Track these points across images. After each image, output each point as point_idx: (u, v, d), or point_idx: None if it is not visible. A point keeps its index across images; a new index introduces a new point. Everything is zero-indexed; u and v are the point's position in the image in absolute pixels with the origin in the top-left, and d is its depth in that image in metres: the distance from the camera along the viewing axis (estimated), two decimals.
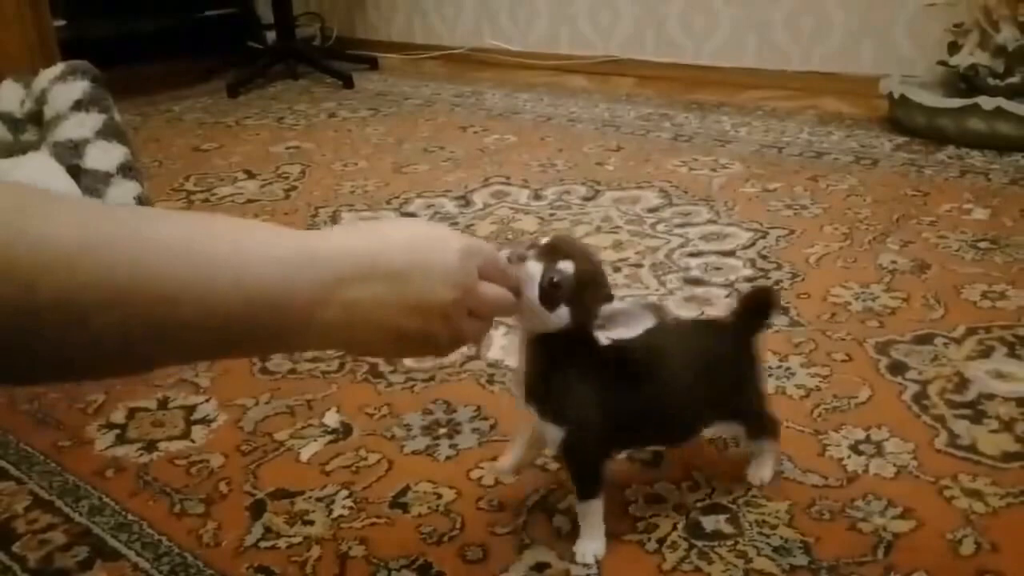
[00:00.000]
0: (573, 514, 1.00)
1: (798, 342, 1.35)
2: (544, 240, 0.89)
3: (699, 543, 0.95)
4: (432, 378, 1.31)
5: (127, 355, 0.60)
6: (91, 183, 1.61)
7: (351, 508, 1.04)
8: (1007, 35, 2.28)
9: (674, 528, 0.98)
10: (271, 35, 3.83)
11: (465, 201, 2.07)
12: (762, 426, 1.03)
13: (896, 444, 1.10)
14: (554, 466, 1.08)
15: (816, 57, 3.01)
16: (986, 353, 1.30)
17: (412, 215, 1.99)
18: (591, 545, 0.95)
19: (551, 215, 1.95)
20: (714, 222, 1.87)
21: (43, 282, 0.54)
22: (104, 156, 1.66)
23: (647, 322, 0.87)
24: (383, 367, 1.34)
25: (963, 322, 1.39)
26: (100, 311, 0.56)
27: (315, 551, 0.97)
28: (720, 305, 1.49)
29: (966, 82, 2.35)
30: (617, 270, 1.65)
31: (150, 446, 1.18)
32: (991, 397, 1.19)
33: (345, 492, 1.06)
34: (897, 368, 1.27)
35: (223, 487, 1.08)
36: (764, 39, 3.10)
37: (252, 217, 2.02)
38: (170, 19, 3.73)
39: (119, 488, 1.09)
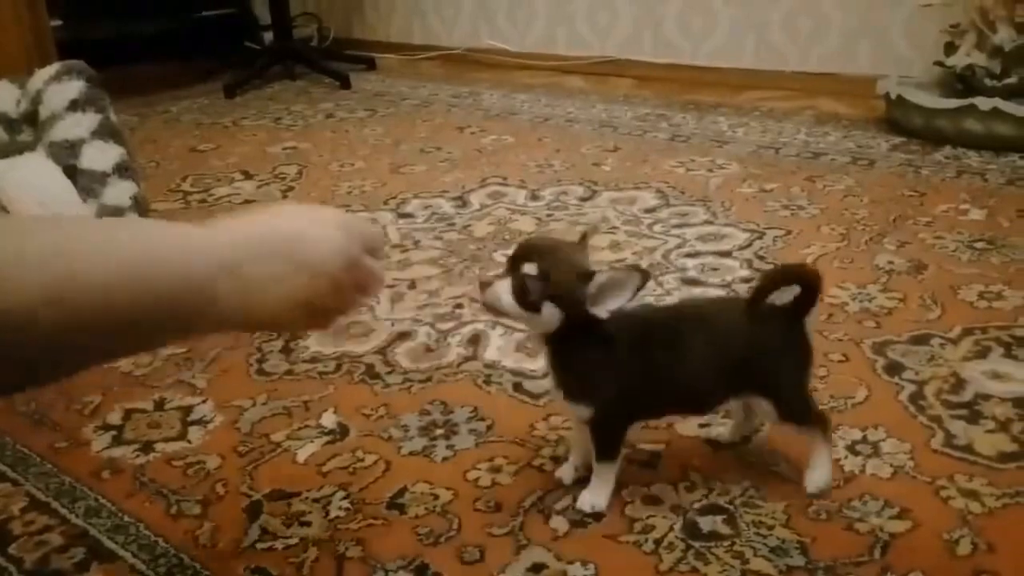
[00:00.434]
0: (570, 515, 1.00)
1: None
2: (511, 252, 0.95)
3: (696, 544, 0.96)
4: (429, 379, 1.31)
5: (78, 347, 0.66)
6: (87, 183, 1.62)
7: (348, 509, 1.04)
8: (1004, 36, 2.28)
9: (671, 529, 0.98)
10: (268, 36, 3.83)
11: (462, 201, 2.07)
12: (797, 411, 1.02)
13: (893, 444, 1.10)
14: (551, 467, 1.09)
15: (813, 58, 3.01)
16: (983, 353, 1.31)
17: (409, 216, 1.99)
18: (594, 498, 1.01)
19: (548, 216, 1.95)
20: (711, 223, 1.87)
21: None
22: (100, 156, 1.66)
23: (634, 284, 0.91)
24: (380, 369, 1.34)
25: (960, 322, 1.39)
26: (47, 307, 0.61)
27: (312, 552, 0.97)
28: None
29: (963, 83, 2.35)
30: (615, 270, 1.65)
31: (147, 447, 1.18)
32: (987, 397, 1.20)
33: (342, 493, 1.06)
34: (894, 368, 1.27)
35: (220, 488, 1.08)
36: (762, 40, 3.10)
37: None
38: (167, 20, 3.72)
39: (116, 489, 1.09)
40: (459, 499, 1.04)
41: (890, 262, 1.62)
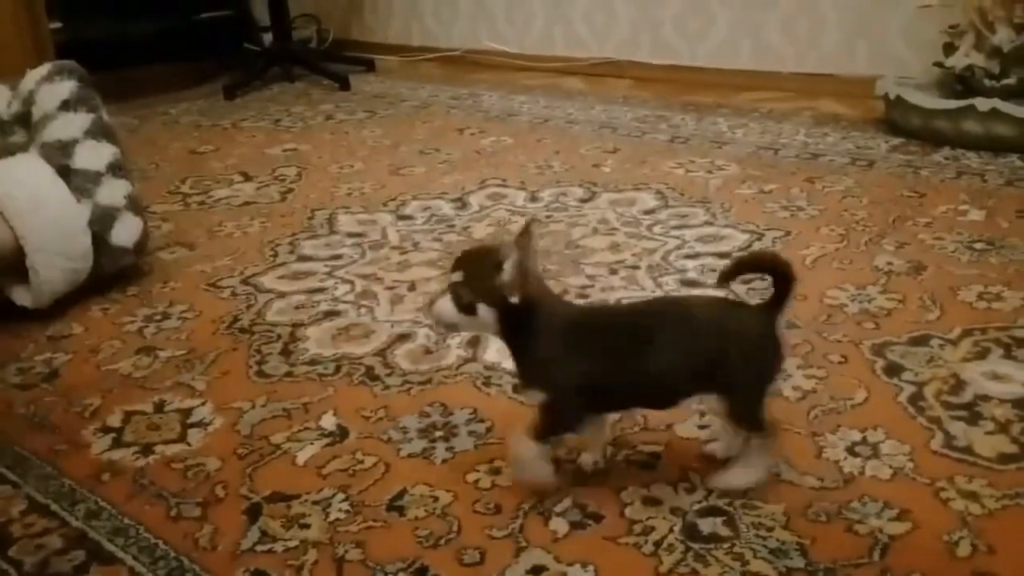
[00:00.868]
0: (571, 517, 1.01)
1: (794, 344, 1.35)
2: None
3: (696, 545, 0.96)
4: (429, 381, 1.31)
5: None
6: (81, 183, 1.61)
7: (348, 511, 1.04)
8: (1003, 36, 2.28)
9: (671, 530, 0.98)
10: (268, 37, 3.83)
11: (462, 203, 2.07)
12: (749, 415, 1.01)
13: (892, 446, 1.10)
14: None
15: (812, 59, 3.01)
16: (982, 355, 1.31)
17: (409, 217, 1.99)
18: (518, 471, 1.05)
19: (547, 217, 1.95)
20: (710, 224, 1.87)
21: None
22: (93, 155, 1.66)
23: (513, 255, 0.96)
24: (379, 371, 1.34)
25: (959, 324, 1.39)
26: None
27: (312, 555, 0.97)
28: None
29: (962, 83, 2.35)
30: (614, 272, 1.65)
31: (146, 450, 1.17)
32: (987, 399, 1.20)
33: (342, 495, 1.06)
34: (893, 370, 1.27)
35: (219, 491, 1.08)
36: (760, 41, 3.10)
37: (249, 220, 2.02)
38: (167, 21, 3.72)
39: (115, 492, 1.09)
40: (459, 501, 1.04)
41: (889, 263, 1.62)
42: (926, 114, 2.31)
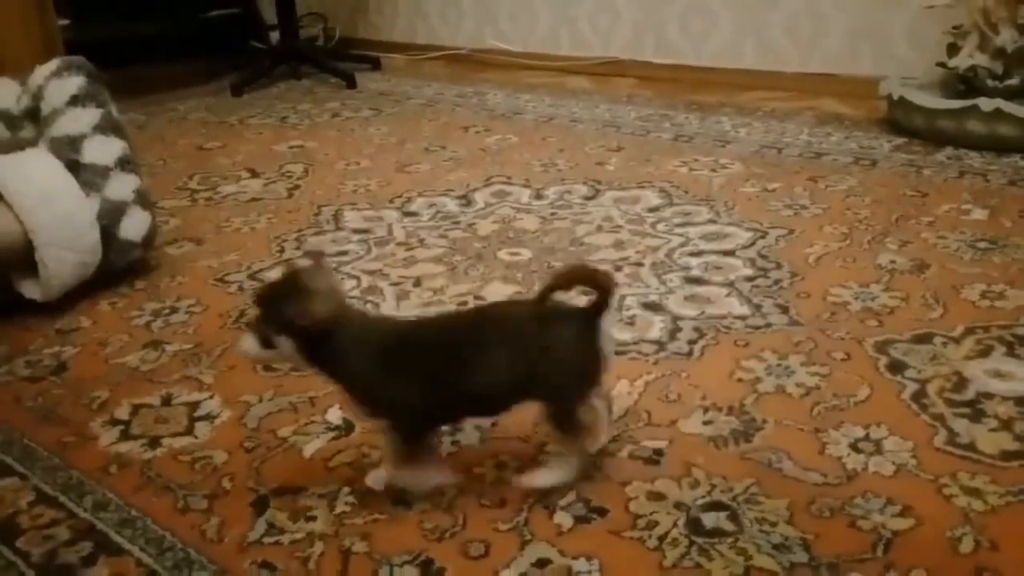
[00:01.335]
0: (575, 511, 1.01)
1: (798, 341, 1.36)
2: None
3: (699, 540, 0.96)
4: None
5: None
6: (90, 177, 1.62)
7: (354, 504, 1.04)
8: (1006, 37, 2.29)
9: (675, 525, 0.98)
10: (275, 35, 3.84)
11: (467, 200, 2.08)
12: (565, 420, 1.02)
13: (895, 442, 1.11)
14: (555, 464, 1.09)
15: (815, 59, 3.01)
16: (985, 352, 1.31)
17: (414, 214, 2.00)
18: (381, 476, 1.05)
19: (552, 214, 1.96)
20: (714, 222, 1.88)
21: None
22: (102, 150, 1.66)
23: (305, 282, 0.96)
24: None
25: (962, 322, 1.40)
26: None
27: (318, 547, 0.98)
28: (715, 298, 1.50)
29: (965, 84, 2.35)
30: (618, 269, 1.66)
31: (154, 442, 1.18)
32: (990, 396, 1.20)
33: (348, 488, 1.07)
34: (896, 367, 1.28)
35: (226, 483, 1.09)
36: (763, 41, 3.10)
37: (256, 216, 2.03)
38: (174, 20, 3.73)
39: (123, 484, 1.10)
40: (464, 495, 1.05)
41: (892, 261, 1.63)
42: (929, 114, 2.31)
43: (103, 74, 1.78)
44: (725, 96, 2.99)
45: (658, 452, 1.11)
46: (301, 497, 1.06)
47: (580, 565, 0.93)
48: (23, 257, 1.52)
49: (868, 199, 1.96)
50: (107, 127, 1.70)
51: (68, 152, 1.63)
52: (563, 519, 1.00)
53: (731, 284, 1.58)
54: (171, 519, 1.03)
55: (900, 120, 2.44)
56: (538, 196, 2.09)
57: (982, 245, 1.68)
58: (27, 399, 1.31)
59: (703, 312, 1.48)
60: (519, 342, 0.99)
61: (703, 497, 1.03)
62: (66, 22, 3.09)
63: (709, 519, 0.99)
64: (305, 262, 1.02)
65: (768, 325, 1.42)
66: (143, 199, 1.70)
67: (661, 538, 0.97)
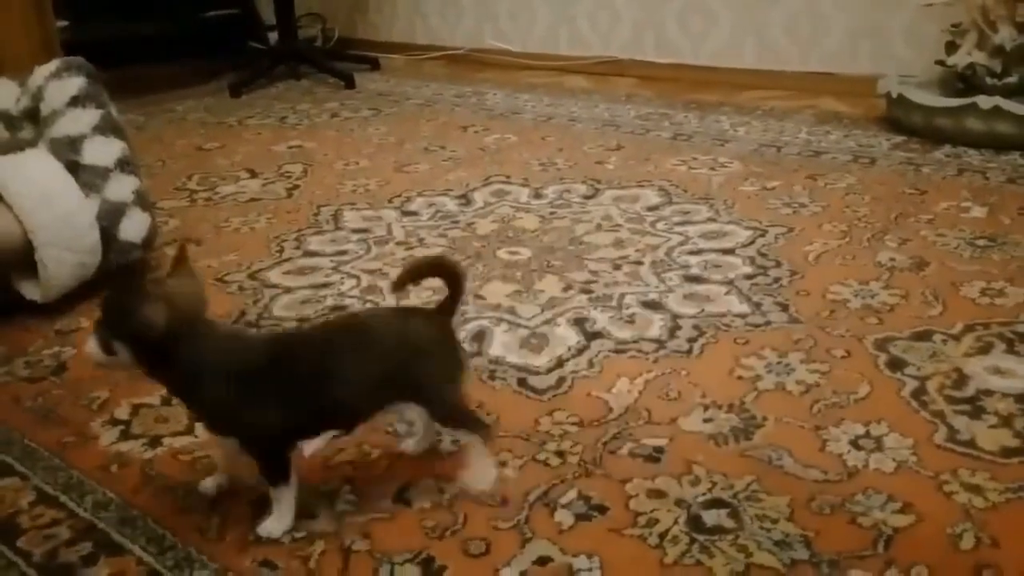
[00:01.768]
0: (576, 509, 1.01)
1: (797, 339, 1.36)
2: None
3: (700, 537, 0.96)
4: None
5: None
6: (89, 178, 1.62)
7: (354, 503, 1.04)
8: (1005, 35, 2.29)
9: (675, 522, 0.98)
10: (273, 36, 3.84)
11: (466, 200, 2.08)
12: (451, 415, 1.04)
13: (896, 439, 1.11)
14: (556, 462, 1.09)
15: (814, 57, 3.01)
16: (985, 349, 1.31)
17: (414, 214, 2.00)
18: (274, 524, 1.00)
19: (551, 213, 1.96)
20: (714, 220, 1.88)
21: None
22: (102, 151, 1.66)
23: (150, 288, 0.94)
24: None
25: (961, 319, 1.40)
26: None
27: (319, 545, 0.98)
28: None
29: (964, 82, 2.35)
30: (617, 267, 1.66)
31: (154, 441, 1.18)
32: (990, 393, 1.20)
33: (348, 487, 1.07)
34: (896, 364, 1.28)
35: (227, 482, 1.09)
36: (762, 40, 3.11)
37: (255, 216, 2.03)
38: (173, 20, 3.73)
39: (123, 483, 1.10)
40: (465, 493, 1.05)
41: (892, 259, 1.63)
42: (928, 112, 2.32)
43: (100, 75, 1.78)
44: (724, 95, 3.00)
45: (658, 450, 1.11)
46: (301, 496, 1.06)
47: (581, 563, 0.93)
48: (23, 258, 1.52)
49: (867, 197, 1.96)
50: (107, 128, 1.70)
51: (68, 153, 1.63)
52: (564, 517, 1.00)
53: (731, 282, 1.58)
54: (172, 518, 1.03)
55: (899, 118, 2.44)
56: (537, 195, 2.09)
57: (981, 243, 1.68)
58: (27, 399, 1.31)
59: (703, 310, 1.48)
60: (378, 347, 0.99)
61: (704, 494, 1.03)
62: (65, 23, 3.09)
63: (710, 516, 0.99)
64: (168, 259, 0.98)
65: (768, 323, 1.42)
66: (143, 200, 1.70)
67: (662, 535, 0.97)
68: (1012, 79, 2.28)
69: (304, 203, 2.11)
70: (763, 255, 1.68)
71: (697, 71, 3.24)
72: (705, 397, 1.22)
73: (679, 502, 1.02)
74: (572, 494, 1.04)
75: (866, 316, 1.43)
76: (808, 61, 3.03)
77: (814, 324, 1.41)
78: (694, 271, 1.63)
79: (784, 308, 1.47)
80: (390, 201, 2.10)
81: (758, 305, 1.48)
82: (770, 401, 1.20)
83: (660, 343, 1.38)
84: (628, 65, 3.41)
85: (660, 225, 1.86)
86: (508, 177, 2.23)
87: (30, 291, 1.56)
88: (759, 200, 1.98)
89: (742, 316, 1.45)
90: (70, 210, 1.56)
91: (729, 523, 0.98)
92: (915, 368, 1.27)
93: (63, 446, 1.19)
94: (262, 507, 1.03)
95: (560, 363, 1.33)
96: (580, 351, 1.36)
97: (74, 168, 1.61)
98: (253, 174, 2.36)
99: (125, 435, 1.20)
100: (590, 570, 0.92)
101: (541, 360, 1.34)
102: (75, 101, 1.69)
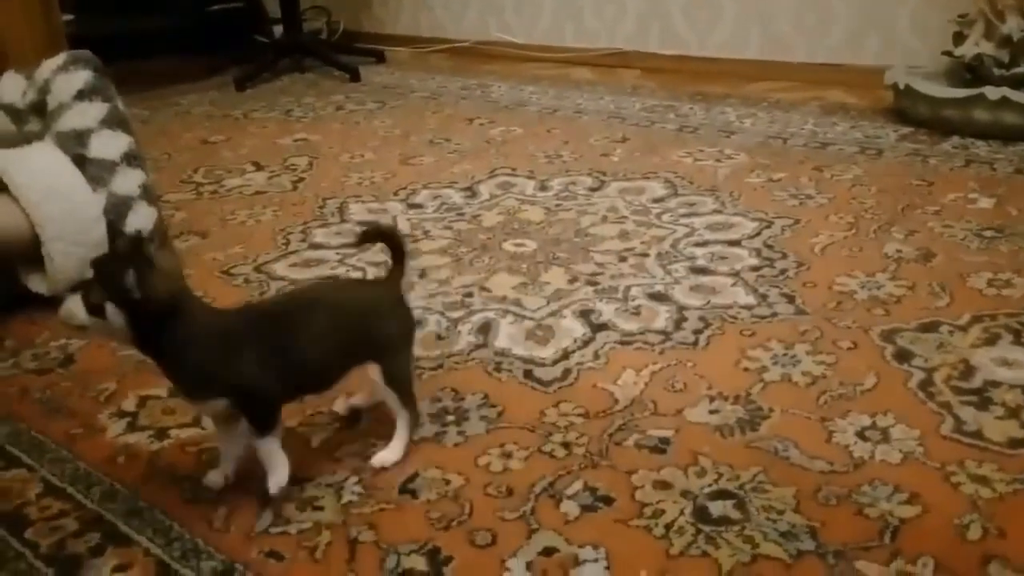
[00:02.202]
0: (582, 500, 1.01)
1: (804, 330, 1.36)
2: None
3: (706, 528, 0.96)
4: (440, 366, 1.32)
5: None
6: (96, 172, 1.62)
7: (360, 494, 1.04)
8: (1012, 25, 2.28)
9: (681, 513, 0.98)
10: (278, 29, 3.84)
11: (471, 192, 2.08)
12: (400, 378, 1.10)
13: (902, 430, 1.11)
14: (562, 453, 1.09)
15: (821, 49, 3.00)
16: (992, 340, 1.31)
17: (419, 206, 2.00)
18: (274, 479, 1.03)
19: (557, 206, 1.96)
20: (719, 212, 1.87)
21: None
22: (108, 145, 1.66)
23: (148, 252, 0.95)
24: None
25: (968, 310, 1.39)
26: None
27: (325, 536, 0.98)
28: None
29: (971, 72, 2.34)
30: (623, 259, 1.65)
31: (161, 433, 1.19)
32: (997, 384, 1.20)
33: (354, 478, 1.07)
34: (903, 356, 1.28)
35: (233, 473, 1.09)
36: (768, 31, 3.10)
37: (261, 209, 2.03)
38: (178, 14, 3.73)
39: (131, 475, 1.10)
40: (470, 484, 1.05)
41: (899, 250, 1.62)
42: (935, 103, 2.31)
43: (106, 69, 1.78)
44: (730, 87, 2.99)
45: (664, 441, 1.11)
46: (308, 487, 1.06)
47: (587, 553, 0.93)
48: (29, 251, 1.52)
49: (874, 188, 1.95)
50: (114, 122, 1.70)
51: (74, 146, 1.63)
52: (569, 508, 1.00)
53: (737, 274, 1.57)
54: (179, 509, 1.04)
55: (906, 109, 2.43)
56: (543, 187, 2.09)
57: (988, 234, 1.68)
58: (34, 391, 1.31)
59: (709, 302, 1.47)
60: (342, 313, 1.07)
61: (710, 485, 1.03)
62: (70, 17, 3.09)
63: (716, 507, 0.99)
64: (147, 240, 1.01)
65: (774, 314, 1.42)
66: (149, 194, 1.70)
67: (668, 526, 0.97)
68: (1020, 69, 2.27)
69: (309, 196, 2.11)
70: (769, 247, 1.68)
71: (703, 63, 3.23)
72: (711, 388, 1.22)
73: (685, 493, 1.02)
74: (578, 485, 1.04)
75: (873, 307, 1.42)
76: (814, 52, 3.01)
77: (820, 315, 1.40)
78: (700, 263, 1.63)
79: (790, 300, 1.46)
80: (395, 194, 2.10)
81: (764, 297, 1.48)
82: (776, 392, 1.20)
83: (666, 335, 1.38)
84: (634, 57, 3.40)
85: (666, 217, 1.86)
86: (514, 169, 2.23)
87: (37, 284, 1.56)
88: (765, 192, 1.98)
89: (748, 308, 1.45)
90: (77, 203, 1.57)
91: (735, 514, 0.98)
92: (922, 359, 1.26)
93: (70, 438, 1.19)
94: (268, 498, 1.04)
95: (566, 355, 1.33)
96: (586, 343, 1.36)
97: (81, 162, 1.62)
98: (259, 167, 2.36)
99: (132, 427, 1.21)
100: (596, 561, 0.92)
101: (547, 352, 1.34)
102: (82, 95, 1.69)
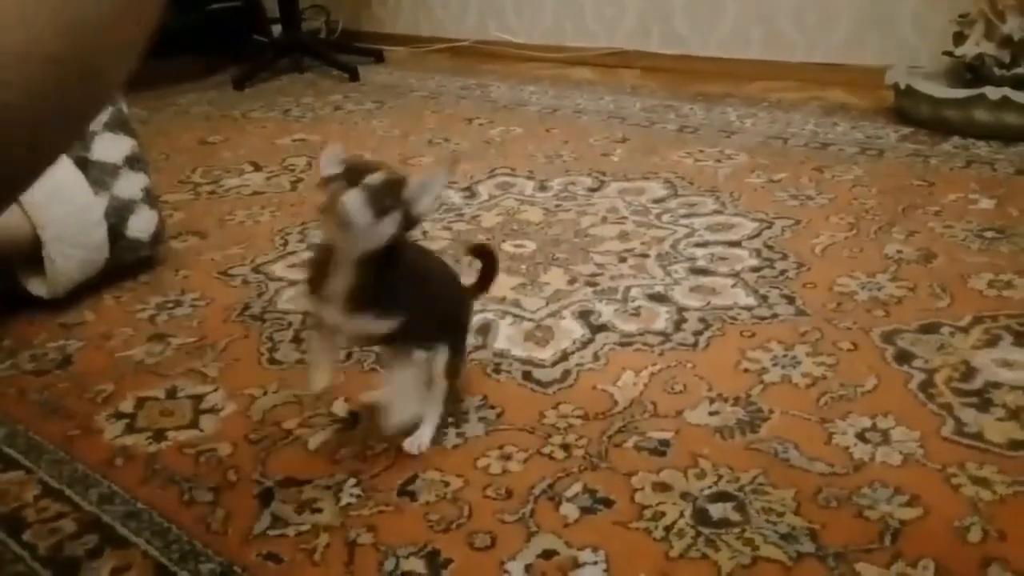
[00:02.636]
0: (581, 502, 1.01)
1: (804, 331, 1.36)
2: (337, 171, 0.94)
3: (706, 530, 0.96)
4: None
5: None
6: (98, 175, 1.62)
7: (359, 496, 1.04)
8: (1013, 25, 2.27)
9: (681, 515, 0.98)
10: (277, 29, 3.83)
11: (471, 192, 2.07)
12: (457, 369, 1.15)
13: (902, 432, 1.10)
14: (561, 455, 1.09)
15: (821, 48, 3.00)
16: (992, 342, 1.30)
17: None
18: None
19: (557, 206, 1.95)
20: (720, 212, 1.87)
21: None
22: (111, 148, 1.66)
23: (443, 178, 1.01)
24: None
25: (969, 311, 1.39)
26: None
27: (323, 539, 0.98)
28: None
29: (972, 72, 2.34)
30: (623, 260, 1.65)
31: (159, 435, 1.18)
32: (998, 385, 1.20)
33: (353, 480, 1.07)
34: (903, 357, 1.27)
35: (232, 475, 1.09)
36: (769, 31, 3.09)
37: (260, 209, 2.03)
38: (176, 14, 3.71)
39: (128, 477, 1.10)
40: (469, 486, 1.05)
41: (899, 251, 1.62)
42: (936, 103, 2.30)
43: None
44: (731, 86, 2.98)
45: (664, 443, 1.11)
46: (306, 489, 1.06)
47: (586, 556, 0.93)
48: (29, 253, 1.52)
49: (874, 189, 1.95)
50: (116, 124, 1.69)
51: (77, 149, 1.63)
52: (569, 510, 1.00)
53: (737, 275, 1.57)
54: (176, 511, 1.03)
55: (907, 109, 2.43)
56: (542, 188, 2.08)
57: (989, 234, 1.67)
58: (32, 393, 1.31)
59: (709, 303, 1.47)
60: (461, 289, 1.21)
61: (709, 488, 1.02)
62: None
63: (716, 510, 0.99)
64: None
65: (774, 316, 1.42)
66: (151, 198, 1.70)
67: (667, 529, 0.96)
68: (1021, 69, 2.26)
69: (308, 196, 2.11)
70: (769, 247, 1.68)
71: (703, 62, 3.22)
72: (711, 390, 1.22)
73: (685, 495, 1.01)
74: (577, 487, 1.03)
75: (873, 308, 1.42)
76: (815, 52, 3.01)
77: (821, 317, 1.40)
78: (700, 263, 1.63)
79: (791, 300, 1.46)
80: None
81: (764, 298, 1.48)
82: (776, 394, 1.20)
83: (666, 336, 1.37)
84: (634, 57, 3.40)
85: (666, 217, 1.86)
86: (513, 169, 2.22)
87: (37, 287, 1.55)
88: (765, 192, 1.97)
89: (748, 309, 1.44)
90: (79, 206, 1.56)
91: (735, 516, 0.98)
92: (922, 361, 1.26)
93: (68, 439, 1.19)
94: (267, 500, 1.04)
95: (565, 356, 1.33)
96: (585, 344, 1.36)
97: (83, 164, 1.61)
98: (257, 167, 2.36)
99: (130, 428, 1.20)
100: (595, 563, 0.92)
101: (546, 353, 1.34)
102: None
